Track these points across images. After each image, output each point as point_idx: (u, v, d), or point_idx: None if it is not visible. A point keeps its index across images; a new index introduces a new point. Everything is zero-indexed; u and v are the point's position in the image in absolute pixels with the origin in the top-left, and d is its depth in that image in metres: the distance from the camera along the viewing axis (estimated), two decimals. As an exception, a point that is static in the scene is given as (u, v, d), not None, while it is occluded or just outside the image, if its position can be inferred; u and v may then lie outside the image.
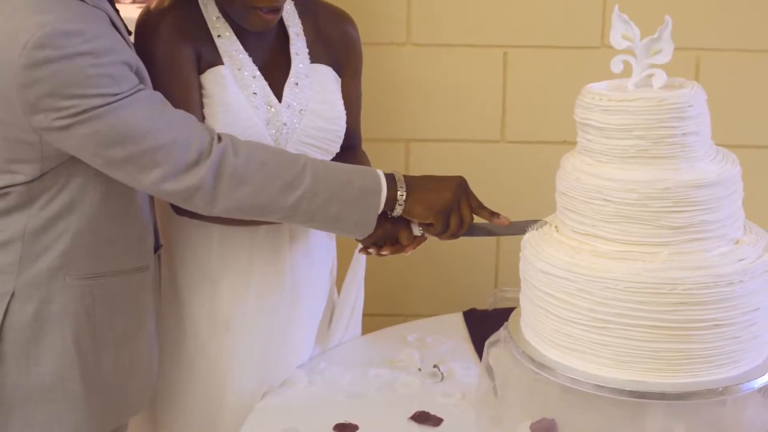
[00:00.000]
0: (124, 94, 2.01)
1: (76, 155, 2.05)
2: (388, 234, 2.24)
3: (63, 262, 2.14)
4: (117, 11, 2.21)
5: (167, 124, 2.06)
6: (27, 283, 2.13)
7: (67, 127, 1.99)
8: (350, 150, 2.49)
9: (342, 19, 2.47)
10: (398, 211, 2.19)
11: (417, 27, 3.15)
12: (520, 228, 2.14)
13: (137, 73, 2.08)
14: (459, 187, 2.22)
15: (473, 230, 2.25)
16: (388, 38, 3.12)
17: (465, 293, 3.18)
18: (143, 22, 2.30)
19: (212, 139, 2.09)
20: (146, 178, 2.06)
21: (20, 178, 2.08)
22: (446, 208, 2.19)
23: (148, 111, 2.04)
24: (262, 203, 2.13)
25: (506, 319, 2.12)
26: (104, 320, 2.20)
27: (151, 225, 2.31)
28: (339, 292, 2.65)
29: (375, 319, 2.91)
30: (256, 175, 2.10)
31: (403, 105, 3.20)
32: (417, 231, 2.26)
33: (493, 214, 2.23)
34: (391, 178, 2.20)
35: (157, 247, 2.35)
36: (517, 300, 2.08)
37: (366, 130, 2.63)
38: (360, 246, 2.32)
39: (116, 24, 2.11)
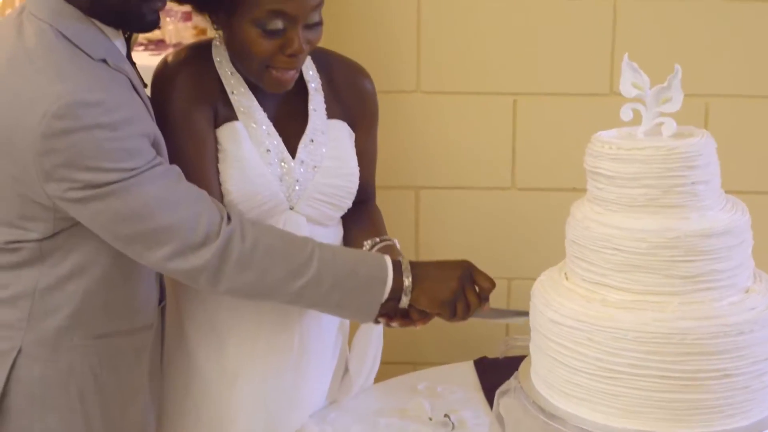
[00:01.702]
0: (139, 170, 2.01)
1: (86, 226, 2.06)
2: (398, 308, 2.23)
3: (72, 322, 2.13)
4: (134, 64, 2.21)
5: (177, 202, 2.06)
6: (35, 340, 2.13)
7: (79, 200, 1.99)
8: (363, 205, 2.49)
9: (357, 72, 2.46)
10: (404, 302, 2.19)
11: (426, 75, 3.16)
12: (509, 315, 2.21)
13: (155, 143, 2.08)
14: (464, 274, 2.22)
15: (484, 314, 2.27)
16: (398, 86, 3.13)
17: (475, 341, 3.16)
18: (160, 75, 2.29)
19: (221, 220, 2.09)
20: (152, 255, 2.06)
21: (33, 236, 2.08)
22: (451, 298, 2.19)
23: (161, 189, 2.04)
24: (266, 288, 2.13)
25: (517, 368, 2.11)
26: (110, 379, 2.19)
27: (157, 282, 2.30)
28: (350, 344, 2.62)
29: (384, 367, 2.89)
30: (261, 260, 2.10)
31: (412, 152, 3.20)
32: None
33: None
34: (397, 267, 2.19)
35: (160, 300, 2.35)
36: (528, 348, 2.07)
37: (376, 178, 2.63)
38: None
39: (136, 86, 2.12)
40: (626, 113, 1.96)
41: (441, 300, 2.19)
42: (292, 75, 2.25)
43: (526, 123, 3.18)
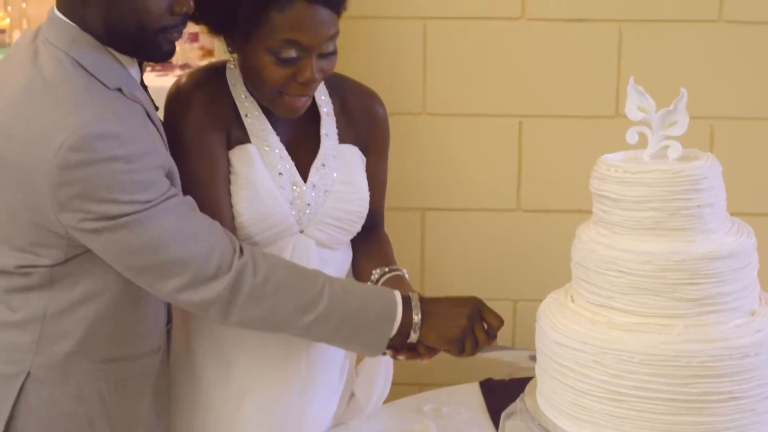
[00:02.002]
0: (153, 203, 2.01)
1: (98, 255, 2.06)
2: (406, 342, 2.23)
3: (81, 347, 2.14)
4: (146, 87, 2.21)
5: (190, 235, 2.07)
6: (44, 364, 2.13)
7: (93, 231, 2.00)
8: (372, 232, 2.49)
9: (370, 98, 2.46)
10: (413, 338, 2.19)
11: (432, 97, 3.17)
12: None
13: (169, 174, 2.09)
14: (473, 312, 2.22)
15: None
16: (404, 108, 3.14)
17: (481, 362, 3.16)
18: (174, 98, 2.30)
19: (234, 252, 2.10)
20: (164, 286, 2.07)
21: (44, 261, 2.09)
22: (460, 336, 2.20)
23: (174, 221, 2.05)
24: (276, 322, 2.15)
25: (523, 389, 2.11)
26: (117, 402, 2.19)
27: (165, 305, 2.31)
28: (357, 367, 2.61)
29: (390, 387, 2.90)
30: (272, 295, 2.11)
31: (418, 174, 3.21)
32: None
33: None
34: (407, 302, 2.20)
35: (167, 321, 2.35)
36: (534, 370, 2.08)
37: (381, 199, 2.63)
38: None
39: (150, 114, 2.12)
40: (632, 136, 1.97)
41: (450, 337, 2.20)
42: (304, 101, 2.26)
43: (532, 145, 3.19)
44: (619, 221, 1.90)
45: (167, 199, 2.04)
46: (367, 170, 2.44)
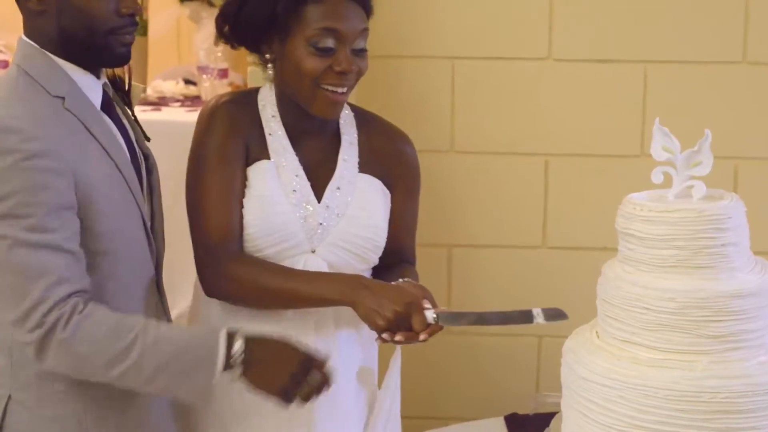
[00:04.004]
0: (29, 216, 2.03)
1: None
2: (400, 320, 2.22)
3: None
4: (137, 120, 2.29)
5: (38, 275, 2.05)
6: (20, 387, 2.15)
7: None
8: (401, 266, 2.48)
9: (398, 137, 2.51)
10: (236, 372, 2.11)
11: (460, 135, 3.21)
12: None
13: (80, 185, 2.09)
14: (299, 369, 2.12)
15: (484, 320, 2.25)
16: (432, 146, 3.18)
17: (506, 396, 3.19)
18: (205, 110, 2.41)
19: (59, 302, 2.06)
20: (4, 315, 2.08)
21: None
22: (281, 390, 2.12)
23: (34, 257, 2.04)
24: (86, 374, 2.11)
25: (548, 424, 2.13)
26: (95, 424, 2.18)
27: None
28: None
29: (413, 422, 2.91)
30: (79, 348, 2.07)
31: (445, 211, 3.24)
32: (431, 318, 2.23)
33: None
34: (230, 345, 2.10)
35: None
36: (559, 405, 2.10)
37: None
38: (376, 336, 2.27)
39: (92, 131, 2.15)
40: (657, 176, 2.00)
41: (269, 391, 2.13)
42: (340, 96, 2.33)
43: (558, 183, 3.22)
44: (645, 259, 1.93)
45: (43, 231, 2.04)
46: (393, 208, 2.47)
